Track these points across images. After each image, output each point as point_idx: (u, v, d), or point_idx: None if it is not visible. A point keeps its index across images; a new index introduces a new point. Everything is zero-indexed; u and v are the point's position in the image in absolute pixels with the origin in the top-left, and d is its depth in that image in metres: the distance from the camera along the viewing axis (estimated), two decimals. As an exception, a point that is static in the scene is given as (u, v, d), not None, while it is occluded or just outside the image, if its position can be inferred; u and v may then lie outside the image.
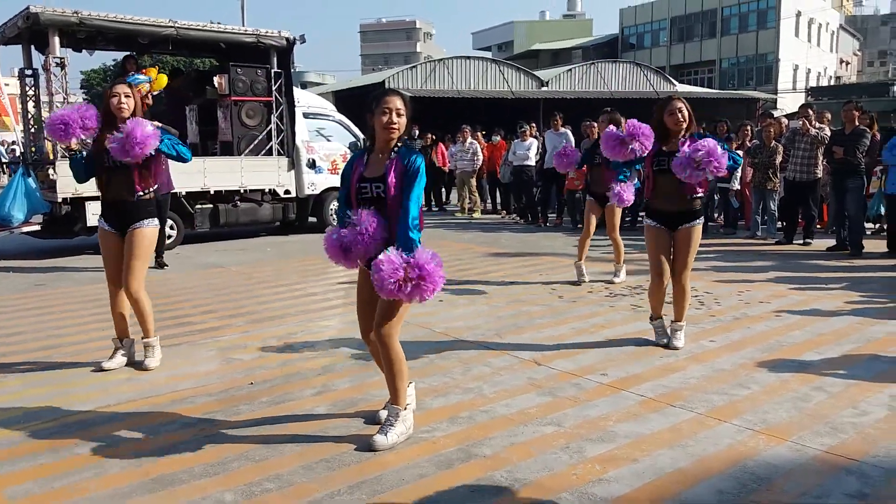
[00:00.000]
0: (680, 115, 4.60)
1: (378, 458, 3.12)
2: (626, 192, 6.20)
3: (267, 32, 10.90)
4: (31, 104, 10.33)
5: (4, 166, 20.77)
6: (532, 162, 12.52)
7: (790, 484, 2.85)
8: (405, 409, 3.33)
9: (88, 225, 8.93)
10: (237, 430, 3.49)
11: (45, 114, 10.07)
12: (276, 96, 10.90)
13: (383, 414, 3.48)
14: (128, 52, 10.67)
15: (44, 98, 9.72)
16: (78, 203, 8.91)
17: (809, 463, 3.03)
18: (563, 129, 11.83)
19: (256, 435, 3.41)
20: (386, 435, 3.23)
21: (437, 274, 2.97)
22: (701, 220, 4.81)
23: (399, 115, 3.16)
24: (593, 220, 7.17)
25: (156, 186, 4.57)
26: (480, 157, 14.19)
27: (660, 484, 2.86)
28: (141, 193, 4.45)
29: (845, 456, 3.08)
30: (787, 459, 3.07)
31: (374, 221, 3.13)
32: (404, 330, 5.02)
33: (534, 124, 14.12)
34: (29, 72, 10.21)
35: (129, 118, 4.30)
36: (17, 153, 13.86)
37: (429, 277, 2.95)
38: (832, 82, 47.58)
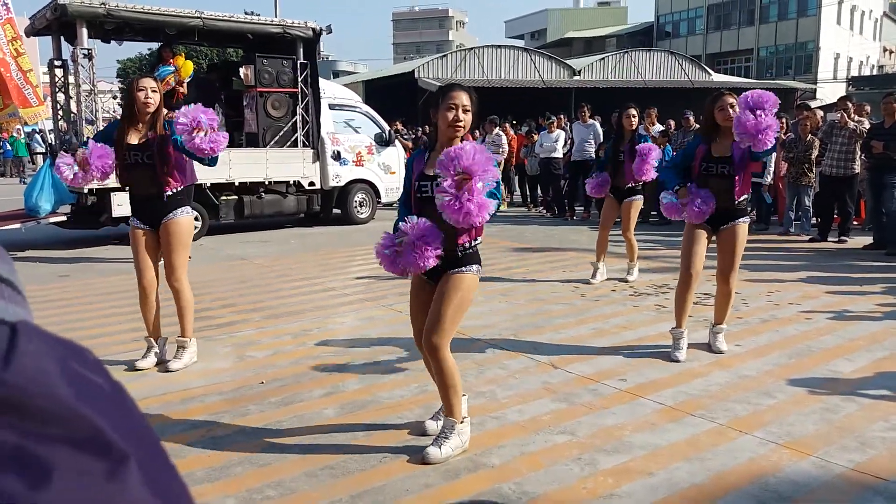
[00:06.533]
0: (731, 111, 4.38)
1: (382, 467, 3.04)
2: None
3: (293, 23, 10.86)
4: (60, 95, 10.44)
5: (42, 156, 21.15)
6: (559, 154, 12.31)
7: (813, 503, 2.71)
8: (462, 422, 3.16)
9: (114, 216, 9.02)
10: (243, 432, 3.44)
11: (73, 105, 10.19)
12: (301, 87, 10.85)
13: (431, 425, 3.36)
14: (161, 42, 10.74)
15: (72, 89, 9.82)
16: (103, 194, 8.98)
17: (834, 481, 2.88)
18: (590, 121, 11.58)
19: (262, 438, 3.36)
20: (440, 448, 3.04)
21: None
22: (746, 219, 4.58)
23: (465, 111, 2.97)
24: (610, 218, 6.97)
25: (183, 184, 4.40)
26: (506, 149, 13.98)
27: (673, 501, 2.73)
28: (170, 193, 4.33)
29: (873, 474, 2.92)
30: (810, 476, 2.92)
31: (426, 232, 2.91)
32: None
33: (563, 115, 13.86)
34: (58, 62, 10.31)
35: (153, 112, 4.29)
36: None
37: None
38: (875, 71, 46.18)
